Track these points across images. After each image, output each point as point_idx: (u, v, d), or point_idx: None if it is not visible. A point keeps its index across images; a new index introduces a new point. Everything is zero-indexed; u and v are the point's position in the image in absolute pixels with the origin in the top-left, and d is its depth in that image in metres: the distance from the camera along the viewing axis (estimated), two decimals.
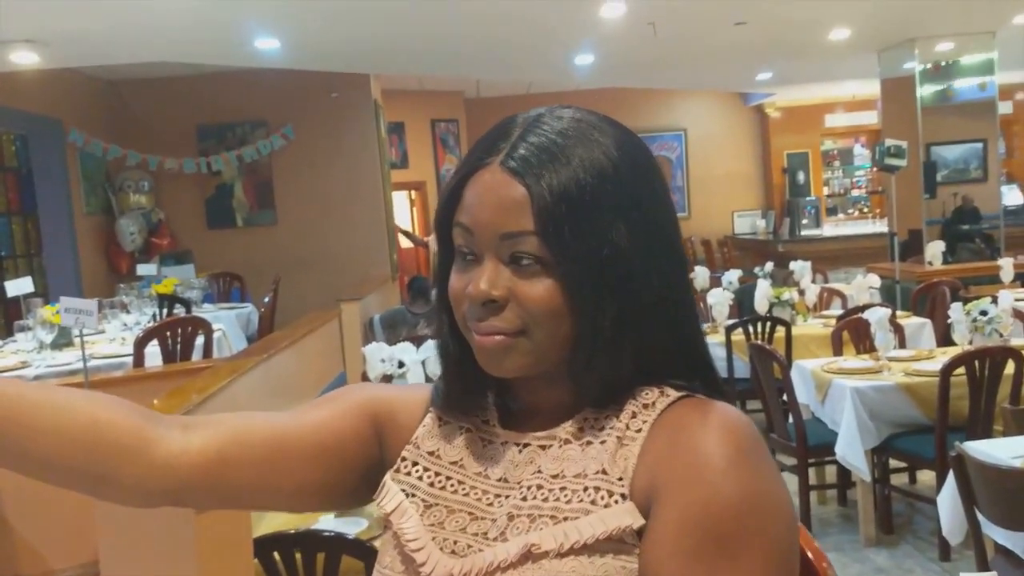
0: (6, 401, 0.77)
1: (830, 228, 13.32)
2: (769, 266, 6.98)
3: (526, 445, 0.85)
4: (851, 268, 9.43)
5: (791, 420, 4.06)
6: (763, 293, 5.51)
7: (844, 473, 4.26)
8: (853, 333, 4.70)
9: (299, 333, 4.35)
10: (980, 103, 8.55)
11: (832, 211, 14.35)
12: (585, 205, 0.77)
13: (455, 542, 0.82)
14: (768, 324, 5.22)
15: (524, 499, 0.80)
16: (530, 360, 0.81)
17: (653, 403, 0.80)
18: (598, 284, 0.78)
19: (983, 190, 8.70)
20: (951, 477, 2.54)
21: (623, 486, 0.76)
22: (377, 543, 2.21)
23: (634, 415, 0.80)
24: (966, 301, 4.28)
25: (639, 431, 0.79)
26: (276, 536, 2.11)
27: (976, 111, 8.59)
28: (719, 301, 5.62)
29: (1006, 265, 6.42)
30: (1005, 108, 11.46)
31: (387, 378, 3.15)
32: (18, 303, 5.30)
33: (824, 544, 3.77)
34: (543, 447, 0.83)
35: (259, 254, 8.82)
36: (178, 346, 4.85)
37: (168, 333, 4.84)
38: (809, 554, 0.91)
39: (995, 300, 4.15)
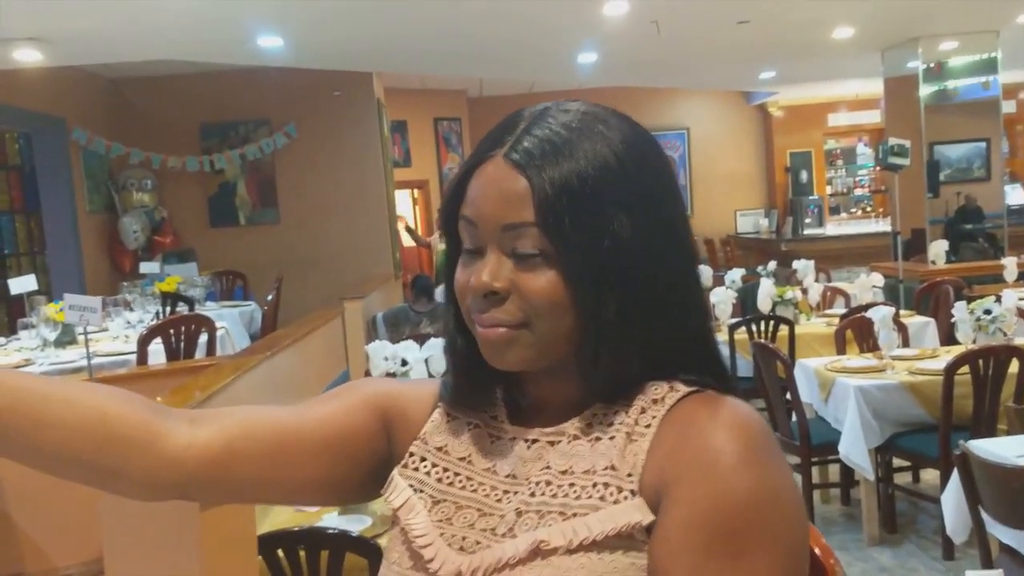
0: (13, 394, 0.77)
1: (833, 227, 13.31)
2: (772, 265, 6.98)
3: (535, 441, 0.84)
4: (854, 267, 9.42)
5: (794, 419, 4.06)
6: (766, 292, 5.51)
7: (847, 472, 4.25)
8: (856, 332, 4.70)
9: (302, 331, 4.36)
10: (983, 102, 8.53)
11: (835, 210, 14.34)
12: (586, 197, 0.77)
13: (463, 538, 0.81)
14: (771, 323, 5.21)
15: (532, 495, 0.80)
16: (533, 353, 0.80)
17: (662, 398, 0.80)
18: (600, 276, 0.77)
19: (986, 189, 8.69)
20: (955, 476, 2.54)
21: (632, 482, 0.76)
22: (381, 541, 2.22)
23: (643, 410, 0.79)
24: (970, 300, 4.28)
25: (648, 426, 0.78)
26: (280, 533, 2.11)
27: (979, 110, 8.58)
28: (722, 300, 5.62)
29: (1009, 264, 6.41)
30: (1008, 107, 11.44)
31: (390, 376, 3.15)
32: (22, 301, 5.31)
33: (827, 543, 3.76)
34: (552, 443, 0.83)
35: (262, 252, 8.82)
36: (182, 344, 4.85)
37: (172, 331, 4.84)
38: (817, 551, 0.90)
39: (999, 299, 4.13)
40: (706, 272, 7.06)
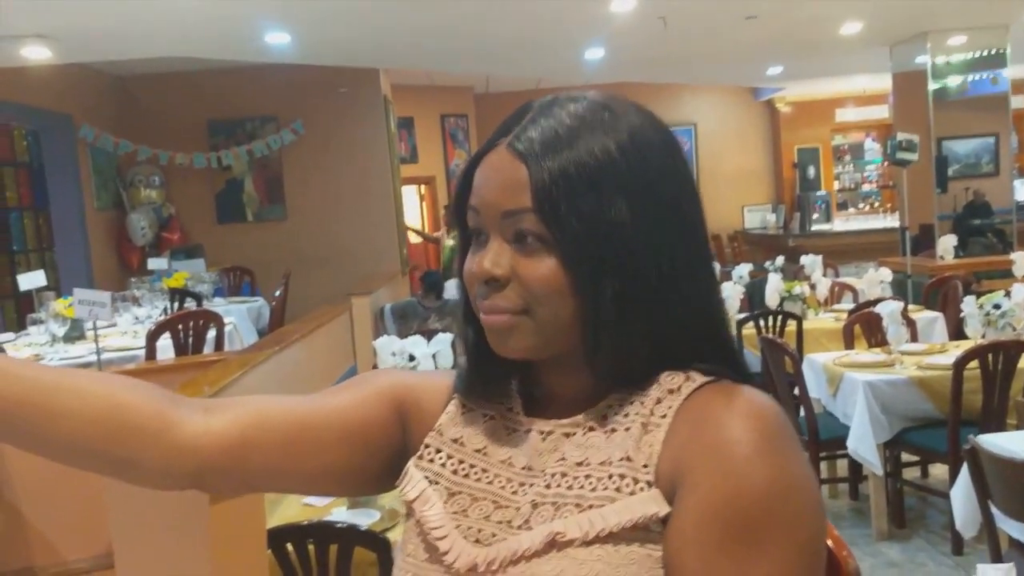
0: (25, 384, 0.77)
1: (840, 223, 13.29)
2: (780, 260, 6.96)
3: (550, 433, 0.84)
4: (861, 263, 9.40)
5: (803, 414, 4.05)
6: (774, 287, 5.50)
7: (856, 467, 4.25)
8: (865, 327, 4.68)
9: (310, 327, 4.37)
10: (992, 97, 8.49)
11: (843, 206, 14.31)
12: (583, 184, 0.77)
13: (479, 530, 0.81)
14: (779, 318, 5.21)
15: (548, 487, 0.80)
16: (536, 340, 0.80)
17: (678, 388, 0.79)
18: (598, 263, 0.77)
19: (995, 185, 8.66)
20: (964, 471, 2.53)
21: (648, 473, 0.75)
22: (390, 535, 2.22)
23: (659, 401, 0.79)
24: (978, 295, 4.27)
25: (664, 417, 0.78)
26: (289, 527, 2.11)
27: (988, 105, 8.54)
28: (730, 295, 5.61)
29: (1018, 259, 6.38)
30: (1018, 102, 11.34)
31: None
32: (31, 297, 5.33)
33: None
34: (567, 434, 0.83)
35: (269, 248, 8.83)
36: (190, 339, 4.87)
37: (180, 326, 4.86)
38: (829, 542, 0.90)
39: (1008, 294, 4.12)
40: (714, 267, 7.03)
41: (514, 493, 0.82)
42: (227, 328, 5.20)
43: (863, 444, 3.77)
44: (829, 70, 10.92)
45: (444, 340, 3.41)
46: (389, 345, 3.31)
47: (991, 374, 3.58)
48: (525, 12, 6.59)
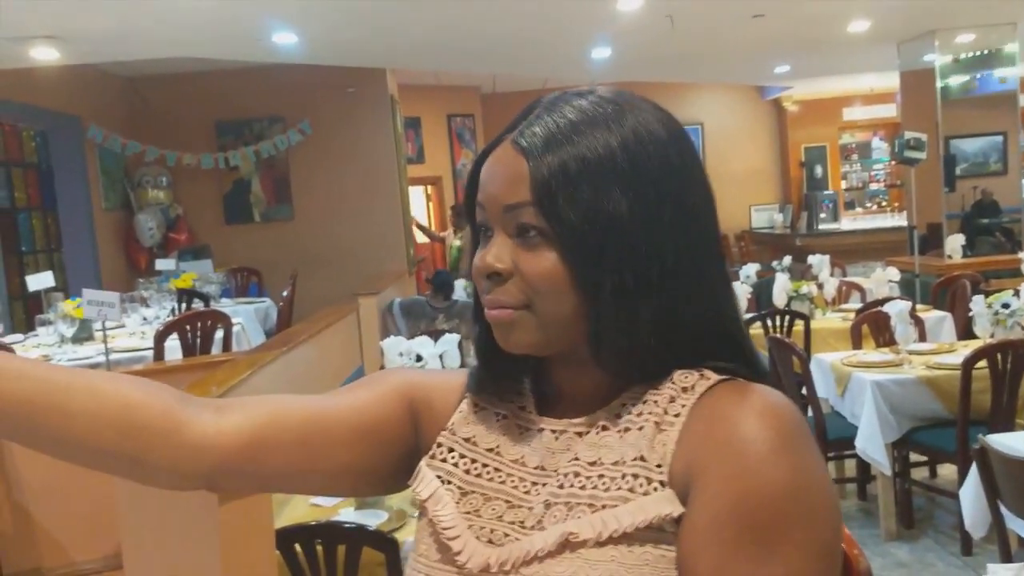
0: (36, 384, 0.77)
1: (848, 222, 13.26)
2: (787, 260, 6.94)
3: (563, 432, 0.83)
4: (869, 262, 9.37)
5: (810, 414, 4.04)
6: (781, 287, 5.49)
7: (864, 467, 4.24)
8: (873, 326, 4.67)
9: (318, 327, 4.37)
10: (1001, 95, 8.47)
11: (850, 205, 14.28)
12: (582, 176, 0.77)
13: (491, 531, 0.81)
14: (787, 318, 5.20)
15: (561, 487, 0.79)
16: (538, 335, 0.80)
17: (692, 386, 0.78)
18: (597, 256, 0.77)
19: (1003, 183, 8.63)
20: (974, 470, 2.52)
21: (662, 473, 0.75)
22: (398, 535, 2.22)
23: (672, 399, 0.78)
24: (987, 295, 4.25)
25: (677, 415, 0.77)
26: (297, 528, 2.12)
27: (997, 103, 8.51)
28: (737, 295, 5.58)
29: None
30: None
31: None
32: (39, 298, 5.35)
33: None
34: (580, 434, 0.82)
35: (276, 249, 8.85)
36: (198, 340, 4.88)
37: (188, 327, 4.87)
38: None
39: (1017, 293, 4.11)
40: None
41: (527, 493, 0.82)
42: (235, 329, 5.21)
43: (871, 444, 3.76)
44: (836, 68, 10.90)
45: (451, 341, 3.42)
46: (396, 345, 3.31)
47: (1000, 373, 3.57)
48: (531, 11, 6.59)
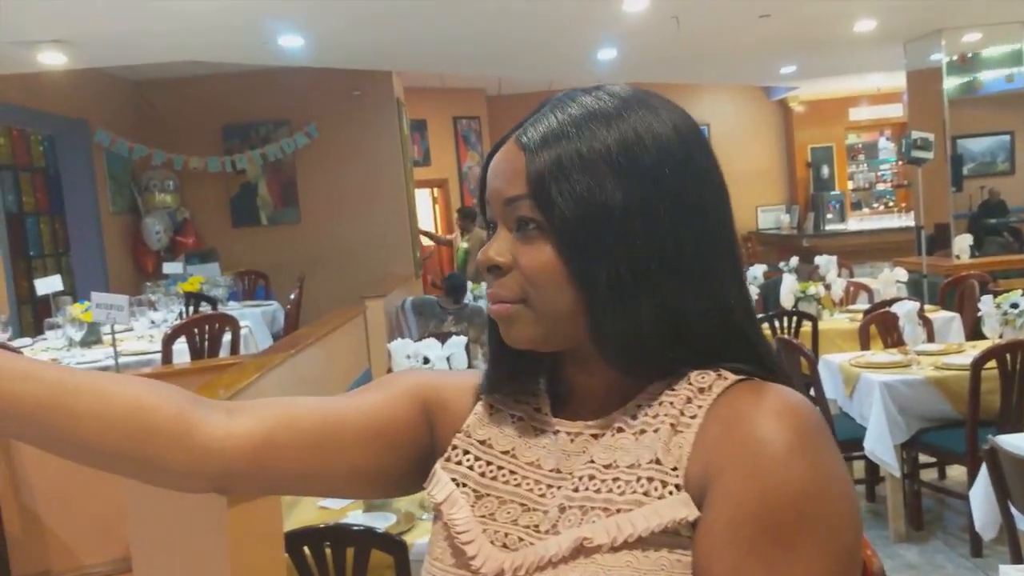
0: (48, 386, 0.76)
1: (855, 222, 13.23)
2: (794, 261, 6.94)
3: (578, 434, 0.83)
4: (876, 263, 9.35)
5: None
6: (789, 288, 5.48)
7: (873, 468, 4.23)
8: (881, 327, 4.66)
9: (324, 330, 4.37)
10: (1008, 95, 8.44)
11: (857, 205, 14.24)
12: (577, 168, 0.77)
13: (506, 535, 0.80)
14: (794, 319, 5.19)
15: (576, 490, 0.78)
16: (536, 330, 0.80)
17: (709, 387, 0.77)
18: (592, 247, 0.77)
19: (1011, 183, 8.61)
20: (983, 471, 2.51)
21: (677, 476, 0.74)
22: (406, 538, 2.22)
23: (689, 400, 0.77)
24: (995, 295, 4.24)
25: (694, 417, 0.76)
26: (306, 530, 2.12)
27: (1004, 103, 8.50)
28: (751, 295, 5.59)
29: None
30: None
31: None
32: (48, 302, 5.36)
33: None
34: (595, 436, 0.81)
35: (283, 252, 8.86)
36: (206, 343, 4.89)
37: (196, 330, 4.88)
38: None
39: None
40: None
41: (542, 496, 0.81)
42: (242, 332, 5.22)
43: (880, 445, 3.75)
44: (843, 68, 10.87)
45: (458, 343, 3.42)
46: (403, 348, 3.32)
47: (1009, 374, 3.55)
48: (537, 13, 6.59)
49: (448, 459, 0.88)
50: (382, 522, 2.34)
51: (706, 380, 0.78)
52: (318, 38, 6.95)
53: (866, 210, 14.31)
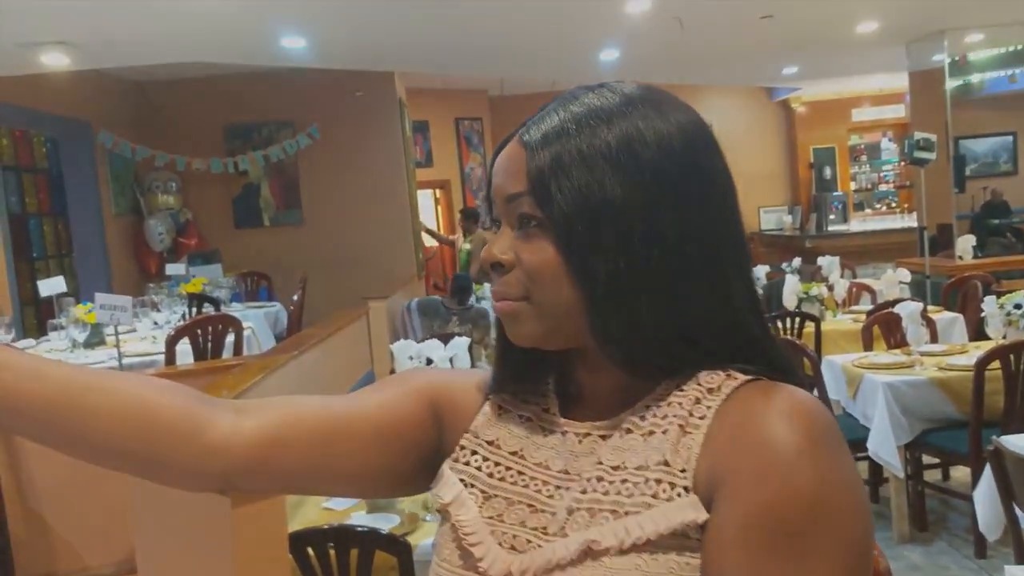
0: (56, 384, 0.77)
1: (857, 223, 13.22)
2: (797, 262, 6.94)
3: (586, 435, 0.82)
4: (879, 263, 9.34)
5: None
6: (791, 289, 5.47)
7: (876, 469, 4.22)
8: (884, 328, 4.66)
9: (327, 331, 4.38)
10: (1010, 95, 8.46)
11: (859, 206, 14.23)
12: (576, 164, 0.77)
13: (514, 536, 0.80)
14: (797, 320, 5.18)
15: (584, 492, 0.78)
16: (538, 327, 0.80)
17: (718, 387, 0.76)
18: (590, 243, 0.76)
19: (1013, 184, 8.61)
20: (987, 472, 2.51)
21: (686, 478, 0.73)
22: (410, 539, 2.21)
23: (697, 401, 0.76)
24: (998, 295, 4.24)
25: (703, 418, 0.75)
26: (310, 532, 2.12)
27: (1006, 103, 8.51)
28: (759, 294, 5.58)
29: None
30: None
31: None
32: (51, 303, 5.37)
33: None
34: (603, 437, 0.81)
35: (286, 253, 8.87)
36: (209, 344, 4.89)
37: (199, 331, 4.88)
38: None
39: None
40: None
41: (550, 497, 0.81)
42: (245, 333, 5.22)
43: (883, 446, 3.74)
44: (845, 69, 10.87)
45: (461, 344, 3.43)
46: (406, 349, 3.32)
47: (1013, 374, 3.55)
48: (540, 14, 6.60)
49: (456, 459, 0.88)
50: (386, 523, 2.34)
51: (715, 380, 0.77)
52: (320, 39, 6.96)
53: (868, 211, 14.30)
